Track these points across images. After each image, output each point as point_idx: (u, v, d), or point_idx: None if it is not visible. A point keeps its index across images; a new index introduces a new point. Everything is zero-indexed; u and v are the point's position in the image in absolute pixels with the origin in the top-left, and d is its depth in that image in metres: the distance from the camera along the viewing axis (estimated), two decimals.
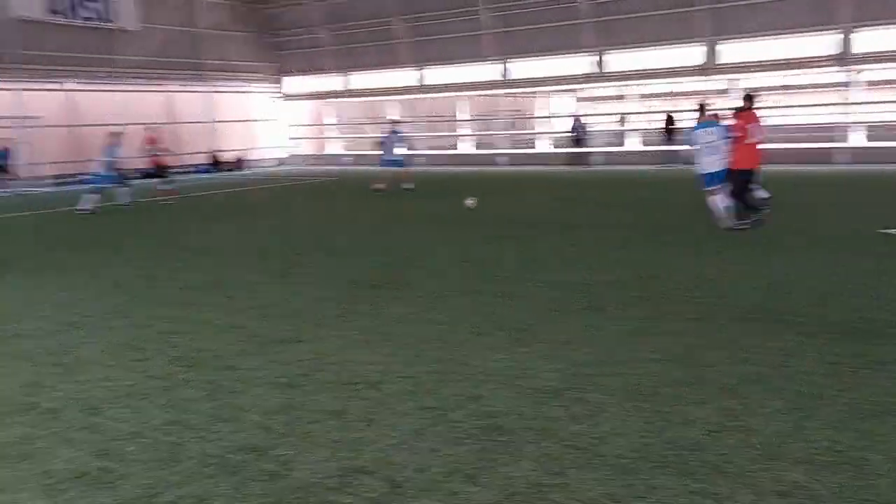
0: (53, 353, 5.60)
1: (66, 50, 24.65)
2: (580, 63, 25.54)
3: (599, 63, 25.21)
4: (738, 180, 10.26)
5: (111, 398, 4.64)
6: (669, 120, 24.70)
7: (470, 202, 13.82)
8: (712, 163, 10.32)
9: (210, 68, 29.73)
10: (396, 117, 21.63)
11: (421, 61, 28.77)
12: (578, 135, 25.87)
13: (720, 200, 10.31)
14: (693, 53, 23.70)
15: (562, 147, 27.37)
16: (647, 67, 24.99)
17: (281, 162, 32.64)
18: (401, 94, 29.42)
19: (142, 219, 15.01)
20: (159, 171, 19.32)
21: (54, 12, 24.26)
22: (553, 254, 9.22)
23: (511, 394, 4.48)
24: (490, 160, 28.07)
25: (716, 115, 11.09)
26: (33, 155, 22.73)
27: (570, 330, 5.79)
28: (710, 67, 23.38)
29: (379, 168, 19.32)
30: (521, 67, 27.26)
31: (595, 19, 24.71)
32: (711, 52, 23.28)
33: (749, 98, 10.89)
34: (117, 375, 5.08)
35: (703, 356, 5.05)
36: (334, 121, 32.27)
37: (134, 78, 26.97)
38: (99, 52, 25.82)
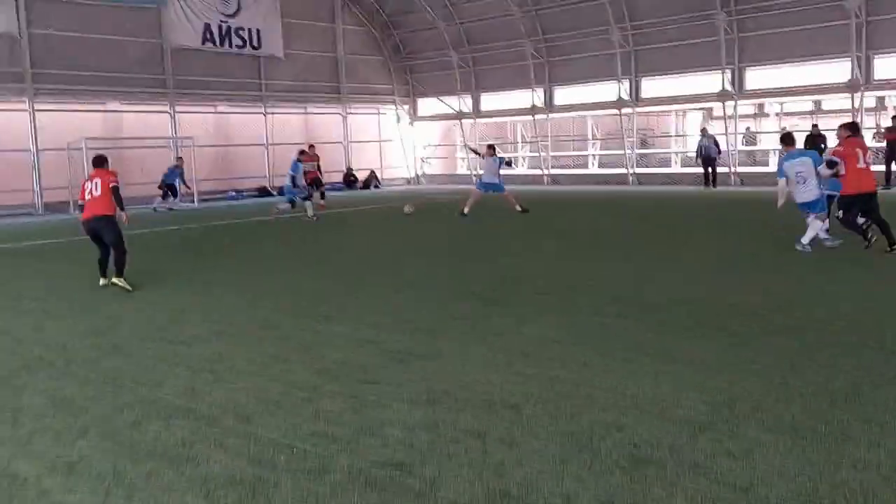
0: (207, 361, 5.92)
1: (217, 76, 26.45)
2: (714, 80, 24.57)
3: (735, 80, 24.15)
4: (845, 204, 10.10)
5: (261, 407, 4.84)
6: (812, 139, 22.89)
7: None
8: (803, 193, 10.22)
9: (346, 91, 30.98)
10: (492, 142, 20.93)
11: (551, 81, 28.69)
12: (707, 153, 24.54)
13: (818, 228, 10.23)
14: (840, 69, 22.23)
15: (695, 165, 26.34)
16: (789, 85, 23.72)
17: (409, 181, 33.39)
18: (529, 114, 29.42)
19: (289, 231, 15.73)
20: (313, 186, 20.49)
21: (208, 41, 26.08)
22: (677, 273, 8.84)
23: (658, 424, 4.29)
24: (619, 179, 27.48)
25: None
26: (187, 173, 24.42)
27: (713, 357, 5.50)
28: (859, 84, 21.83)
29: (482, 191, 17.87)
30: (653, 86, 26.61)
31: (731, 35, 23.71)
32: (862, 67, 21.75)
33: (853, 127, 10.83)
34: (266, 385, 5.29)
35: (870, 394, 4.64)
36: (462, 141, 32.68)
37: (278, 101, 28.54)
38: (247, 78, 27.52)
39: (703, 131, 24.97)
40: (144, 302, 8.44)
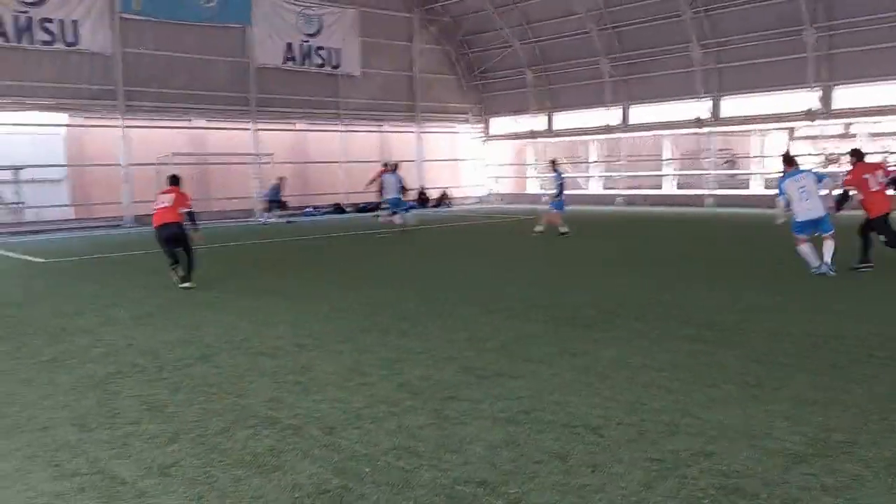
0: (291, 372, 6.06)
1: (297, 94, 27.25)
2: (800, 99, 23.80)
3: (823, 98, 23.33)
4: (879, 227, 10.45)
5: (344, 419, 4.92)
6: None
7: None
8: (804, 210, 10.24)
9: (421, 110, 31.42)
10: (559, 158, 20.97)
11: (627, 99, 28.38)
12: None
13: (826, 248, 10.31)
14: None
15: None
16: (881, 104, 22.79)
17: (481, 200, 33.49)
18: (604, 132, 29.14)
19: (372, 246, 16.00)
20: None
21: (290, 60, 26.91)
22: (769, 301, 8.54)
23: (749, 454, 4.15)
24: (696, 201, 26.87)
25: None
26: (265, 189, 25.18)
27: (811, 389, 5.29)
28: None
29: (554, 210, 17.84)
30: (734, 104, 25.99)
31: (819, 53, 22.95)
32: None
33: (857, 153, 11.07)
34: (348, 397, 5.37)
35: None
36: (534, 160, 32.62)
37: (355, 119, 29.17)
38: (325, 96, 28.25)
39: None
40: (229, 312, 8.71)
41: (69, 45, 22.11)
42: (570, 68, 29.75)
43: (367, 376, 5.90)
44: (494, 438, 4.50)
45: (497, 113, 33.04)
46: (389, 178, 19.41)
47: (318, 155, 28.53)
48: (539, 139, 31.47)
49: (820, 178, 10.49)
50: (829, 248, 10.17)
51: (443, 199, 31.15)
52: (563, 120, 31.18)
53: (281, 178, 24.66)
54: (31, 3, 21.34)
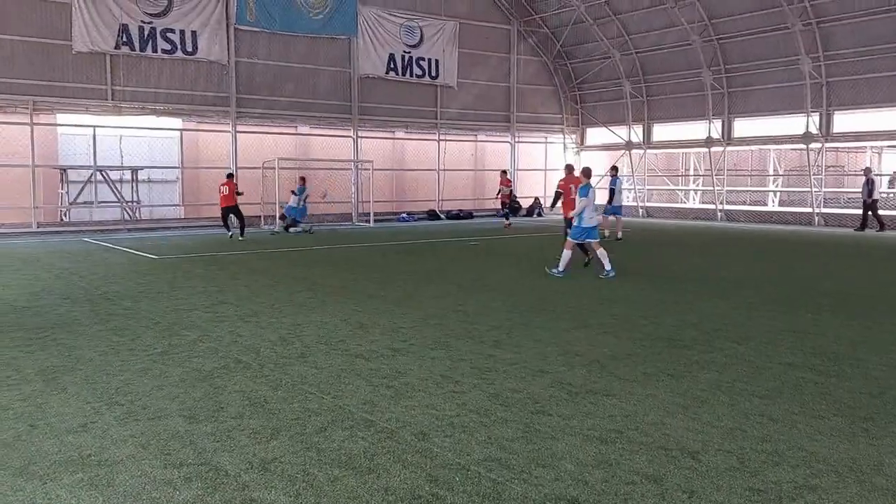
0: (385, 377, 6.21)
1: (397, 103, 27.83)
2: None
3: None
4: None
5: (436, 426, 5.00)
6: None
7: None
8: (591, 219, 12.26)
9: (517, 120, 31.46)
10: (617, 166, 22.02)
11: (730, 112, 27.48)
12: (867, 195, 22.48)
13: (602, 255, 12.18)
14: None
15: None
16: None
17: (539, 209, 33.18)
18: (704, 146, 28.32)
19: (471, 254, 16.15)
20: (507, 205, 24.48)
21: (392, 71, 27.53)
22: (888, 330, 8.07)
23: (857, 490, 3.97)
24: (803, 219, 25.68)
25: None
26: (365, 195, 25.83)
27: None
28: None
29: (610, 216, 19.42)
30: (846, 120, 24.72)
31: None
32: None
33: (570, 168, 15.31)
34: (440, 404, 5.46)
35: None
36: (629, 172, 32.02)
37: (451, 128, 29.52)
38: (424, 105, 28.72)
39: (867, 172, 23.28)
40: (328, 314, 8.99)
41: (188, 53, 23.37)
42: (670, 80, 29.10)
43: (459, 384, 5.97)
44: (585, 456, 4.47)
45: (593, 123, 32.67)
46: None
47: (414, 162, 29.02)
48: (636, 150, 30.86)
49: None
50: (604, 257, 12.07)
51: (535, 208, 31.03)
52: (661, 132, 30.51)
53: (303, 178, 22.26)
54: (155, 15, 22.70)
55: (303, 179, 22.11)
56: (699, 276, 12.82)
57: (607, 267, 12.11)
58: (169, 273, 12.93)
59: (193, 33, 23.36)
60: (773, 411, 5.32)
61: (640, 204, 31.21)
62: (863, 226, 22.78)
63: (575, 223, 12.36)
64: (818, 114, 24.80)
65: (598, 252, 12.31)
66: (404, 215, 27.66)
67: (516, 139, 31.70)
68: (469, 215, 28.88)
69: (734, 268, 14.04)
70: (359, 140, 27.10)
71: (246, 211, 24.53)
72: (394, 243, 18.92)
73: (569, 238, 12.54)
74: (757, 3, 24.86)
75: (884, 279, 12.63)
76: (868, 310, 9.45)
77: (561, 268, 12.35)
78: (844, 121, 24.83)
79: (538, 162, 32.79)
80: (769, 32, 25.14)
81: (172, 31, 23.02)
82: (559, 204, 14.95)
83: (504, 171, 26.05)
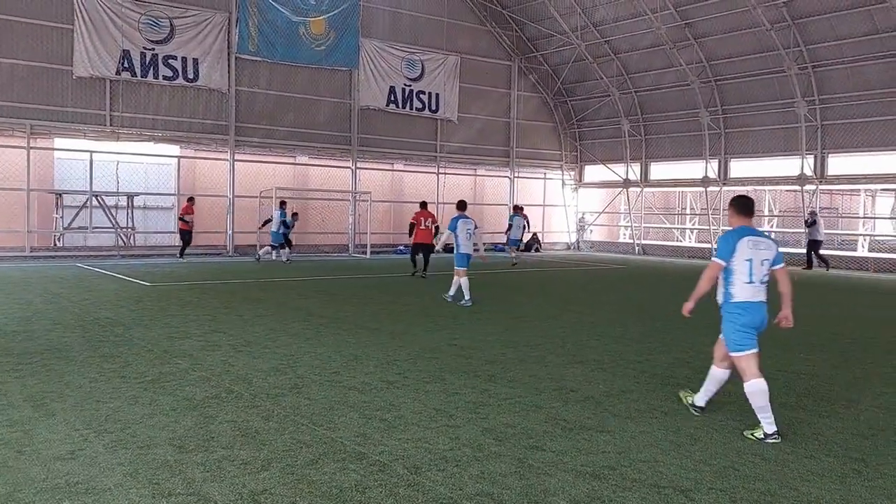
0: (379, 409, 6.17)
1: (397, 136, 28.06)
2: None
3: None
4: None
5: (429, 459, 4.96)
6: None
7: None
8: (465, 247, 13.44)
9: (517, 155, 31.73)
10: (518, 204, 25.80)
11: (726, 153, 27.76)
12: (811, 231, 23.55)
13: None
14: None
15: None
16: None
17: (570, 246, 33.26)
18: (701, 185, 28.54)
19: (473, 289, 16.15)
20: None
21: (392, 103, 27.81)
22: (883, 371, 8.07)
23: None
24: (797, 259, 25.78)
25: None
26: (362, 227, 25.90)
27: None
28: None
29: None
30: (840, 163, 24.98)
31: None
32: None
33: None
34: (433, 438, 5.42)
35: None
36: (625, 209, 32.24)
37: (451, 162, 29.73)
38: (424, 139, 28.96)
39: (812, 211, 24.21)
40: (322, 345, 8.95)
41: (189, 81, 23.59)
42: (668, 119, 29.45)
43: (452, 418, 5.94)
44: (578, 493, 4.44)
45: (591, 161, 32.95)
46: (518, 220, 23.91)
47: (413, 195, 29.16)
48: (633, 188, 31.09)
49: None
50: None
51: (533, 244, 31.11)
52: (658, 170, 30.78)
53: (282, 202, 22.14)
54: (157, 42, 22.96)
55: (282, 203, 22.03)
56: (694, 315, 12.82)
57: (467, 296, 13.10)
58: (162, 300, 12.90)
59: (195, 61, 23.60)
60: (766, 451, 5.30)
61: (637, 242, 31.34)
62: (809, 264, 23.75)
63: (455, 251, 13.59)
64: (813, 156, 25.08)
65: (461, 280, 13.25)
66: (402, 248, 27.69)
67: (515, 174, 31.92)
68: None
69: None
70: (357, 171, 27.25)
71: (243, 240, 24.69)
72: (390, 276, 18.92)
73: (456, 267, 13.44)
74: (755, 47, 25.28)
75: (873, 319, 12.66)
76: (859, 351, 9.45)
77: (467, 297, 13.13)
78: (839, 163, 25.11)
79: (537, 197, 32.97)
80: (766, 75, 25.53)
81: (174, 57, 23.26)
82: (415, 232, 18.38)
83: (520, 207, 25.73)
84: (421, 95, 28.45)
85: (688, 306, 6.16)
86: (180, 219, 21.62)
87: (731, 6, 24.53)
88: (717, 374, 6.10)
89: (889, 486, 4.64)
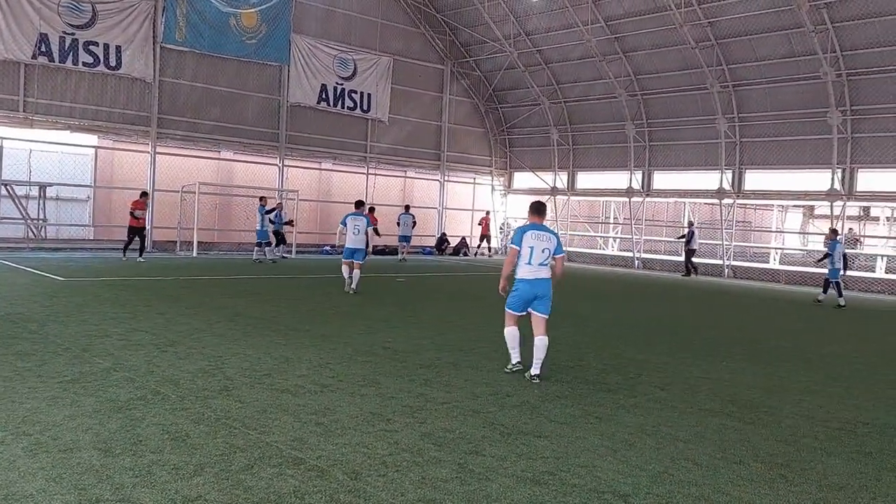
0: (314, 413, 6.03)
1: (326, 134, 27.69)
2: (823, 179, 23.89)
3: (845, 180, 23.42)
4: None
5: (369, 465, 4.87)
6: None
7: None
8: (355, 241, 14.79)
9: (447, 159, 31.83)
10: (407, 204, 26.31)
11: (650, 165, 28.62)
12: (689, 242, 25.97)
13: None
14: None
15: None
16: None
17: (496, 251, 33.58)
18: (625, 195, 29.32)
19: (404, 290, 16.02)
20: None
21: (323, 101, 27.43)
22: (802, 379, 8.46)
23: None
24: (712, 270, 26.82)
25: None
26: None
27: (840, 474, 5.20)
28: None
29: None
30: (757, 178, 26.14)
31: (845, 135, 23.12)
32: None
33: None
34: (372, 442, 5.33)
35: None
36: (552, 217, 32.76)
37: (381, 163, 29.54)
38: (354, 138, 28.68)
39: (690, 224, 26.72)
40: (251, 346, 8.70)
41: (111, 68, 22.63)
42: (595, 130, 30.13)
43: (390, 423, 5.86)
44: (520, 498, 4.44)
45: (521, 168, 33.38)
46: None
47: (341, 195, 28.83)
48: (560, 196, 31.66)
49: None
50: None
51: (461, 248, 31.26)
52: (585, 179, 31.45)
53: (261, 198, 22.61)
54: (78, 26, 21.93)
55: (261, 199, 22.16)
56: (620, 322, 13.13)
57: (348, 287, 14.81)
58: (77, 296, 12.29)
59: (118, 48, 22.67)
60: (698, 456, 5.44)
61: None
62: (688, 271, 25.76)
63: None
64: (731, 171, 26.13)
65: (354, 272, 14.82)
66: (328, 248, 27.32)
67: (446, 178, 32.01)
68: (395, 251, 28.80)
69: (653, 315, 14.47)
70: (285, 169, 26.74)
71: (163, 236, 23.84)
72: (317, 276, 18.63)
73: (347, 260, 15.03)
74: (680, 64, 26.16)
75: (787, 328, 13.27)
76: (777, 359, 9.87)
77: (349, 287, 14.81)
78: (755, 179, 26.25)
79: (466, 202, 33.16)
80: (690, 91, 26.45)
81: (96, 43, 22.27)
82: None
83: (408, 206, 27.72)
84: (353, 95, 28.19)
85: (501, 285, 7.98)
86: (130, 213, 19.93)
87: (659, 23, 25.33)
88: (512, 333, 7.94)
89: (814, 491, 4.83)
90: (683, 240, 26.48)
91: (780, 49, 23.80)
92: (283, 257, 23.23)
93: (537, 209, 8.01)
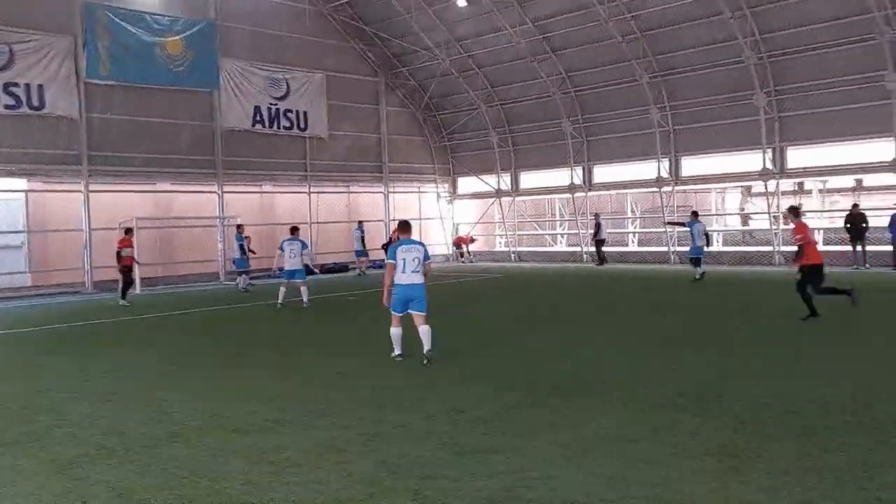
0: (265, 452, 5.90)
1: (264, 156, 27.33)
2: (755, 159, 24.59)
3: (776, 159, 24.14)
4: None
5: (322, 502, 4.79)
6: (855, 219, 21.79)
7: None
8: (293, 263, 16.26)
9: (389, 170, 31.76)
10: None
11: (589, 160, 29.04)
12: (597, 233, 27.17)
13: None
14: (882, 148, 22.13)
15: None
16: (831, 163, 23.82)
17: (448, 258, 33.61)
18: (568, 192, 29.68)
19: (349, 314, 15.87)
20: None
21: (258, 123, 27.07)
22: (751, 366, 8.65)
23: None
24: (659, 257, 27.32)
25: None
26: (229, 252, 24.94)
27: (788, 458, 5.33)
28: None
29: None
30: (693, 164, 26.75)
31: (771, 115, 23.85)
32: None
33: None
34: (325, 478, 5.24)
35: None
36: (500, 219, 33.00)
37: (323, 181, 29.29)
38: (293, 158, 28.38)
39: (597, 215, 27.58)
40: (199, 386, 8.52)
41: (34, 109, 21.91)
42: (534, 130, 30.43)
43: (343, 454, 5.79)
44: None
45: (464, 173, 33.51)
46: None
47: (286, 216, 28.47)
48: (505, 198, 31.88)
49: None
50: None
51: None
52: (528, 179, 31.73)
53: (238, 227, 22.97)
54: None
55: (238, 227, 22.32)
56: (572, 321, 13.25)
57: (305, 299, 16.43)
58: (14, 349, 11.87)
59: (40, 87, 21.97)
60: (651, 455, 5.50)
61: (512, 249, 32.13)
62: (601, 261, 26.90)
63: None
64: (668, 159, 26.67)
65: (301, 288, 16.46)
66: (277, 271, 26.89)
67: (389, 190, 31.92)
68: (345, 268, 28.59)
69: (601, 310, 14.65)
70: (224, 195, 26.27)
71: (105, 275, 23.19)
72: (267, 302, 18.36)
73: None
74: (610, 58, 26.59)
75: (731, 311, 13.57)
76: (725, 344, 10.09)
77: (280, 300, 16.47)
78: (692, 165, 26.84)
79: (413, 211, 33.07)
80: (622, 85, 26.89)
81: (16, 84, 21.55)
82: None
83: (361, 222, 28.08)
84: (288, 114, 27.89)
85: (385, 298, 9.42)
86: (117, 254, 18.90)
87: (585, 20, 25.72)
88: (396, 333, 9.49)
89: (762, 479, 4.93)
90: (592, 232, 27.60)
91: (703, 37, 24.40)
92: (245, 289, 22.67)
93: (404, 227, 9.76)
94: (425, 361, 9.06)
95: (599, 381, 8.08)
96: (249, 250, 22.68)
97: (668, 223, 25.82)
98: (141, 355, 10.79)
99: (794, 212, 12.49)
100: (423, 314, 9.25)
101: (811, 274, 11.64)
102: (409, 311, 9.30)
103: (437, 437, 6.13)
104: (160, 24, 24.46)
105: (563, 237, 33.35)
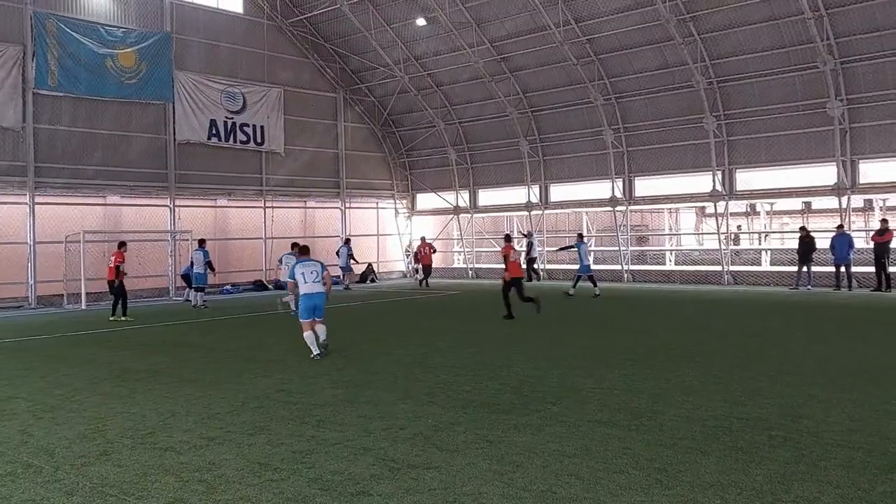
0: (198, 470, 5.83)
1: (219, 170, 27.05)
2: (706, 180, 25.18)
3: (725, 181, 24.77)
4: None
5: None
6: (808, 241, 22.35)
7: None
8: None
9: (347, 186, 31.69)
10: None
11: (546, 178, 29.39)
12: (529, 251, 28.24)
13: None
14: (827, 172, 22.87)
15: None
16: (778, 186, 24.55)
17: (405, 275, 33.60)
18: (525, 209, 29.97)
19: (284, 326, 15.70)
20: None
21: (214, 137, 26.80)
22: (686, 381, 8.81)
23: None
24: (614, 276, 27.70)
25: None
26: (180, 266, 24.56)
27: (712, 472, 5.45)
28: (845, 187, 22.40)
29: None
30: (646, 184, 27.28)
31: (721, 139, 24.49)
32: (847, 171, 22.35)
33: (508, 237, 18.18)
34: (256, 496, 5.20)
35: None
36: (458, 235, 33.15)
37: (279, 196, 29.09)
38: (249, 172, 28.15)
39: (529, 233, 28.88)
40: (136, 403, 8.36)
41: None
42: (491, 148, 30.73)
43: (277, 471, 5.74)
44: None
45: (423, 189, 33.62)
46: None
47: (239, 231, 28.22)
48: (463, 214, 32.04)
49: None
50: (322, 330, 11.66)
51: (368, 274, 31.08)
52: (486, 196, 31.97)
53: (200, 241, 22.08)
54: None
55: (201, 242, 21.82)
56: (519, 338, 13.34)
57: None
58: None
59: None
60: (581, 470, 5.58)
61: (470, 266, 32.25)
62: (536, 276, 28.15)
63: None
64: (622, 179, 27.15)
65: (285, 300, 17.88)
66: (228, 287, 26.62)
67: (347, 205, 31.84)
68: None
69: (551, 327, 14.77)
70: (176, 209, 25.92)
71: (48, 290, 22.63)
72: (215, 319, 18.11)
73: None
74: (565, 80, 27.07)
75: (673, 328, 13.82)
76: (665, 362, 10.26)
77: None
78: (645, 185, 27.38)
79: (370, 227, 33.06)
80: (577, 106, 27.39)
81: None
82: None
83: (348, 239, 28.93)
84: (245, 128, 27.71)
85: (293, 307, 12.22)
86: (116, 268, 17.98)
87: (541, 42, 26.15)
88: (309, 336, 11.33)
89: (686, 492, 5.04)
90: (525, 251, 28.34)
91: (655, 61, 25.00)
92: (190, 301, 22.29)
93: (302, 250, 12.44)
94: (322, 350, 11.24)
95: (539, 398, 8.15)
96: (211, 267, 21.99)
97: (560, 249, 27.95)
98: (79, 373, 10.55)
99: (507, 238, 17.63)
100: (322, 318, 11.58)
101: (514, 284, 16.12)
102: (314, 318, 11.40)
103: (373, 454, 6.13)
104: (113, 35, 24.16)
105: (521, 255, 33.54)
